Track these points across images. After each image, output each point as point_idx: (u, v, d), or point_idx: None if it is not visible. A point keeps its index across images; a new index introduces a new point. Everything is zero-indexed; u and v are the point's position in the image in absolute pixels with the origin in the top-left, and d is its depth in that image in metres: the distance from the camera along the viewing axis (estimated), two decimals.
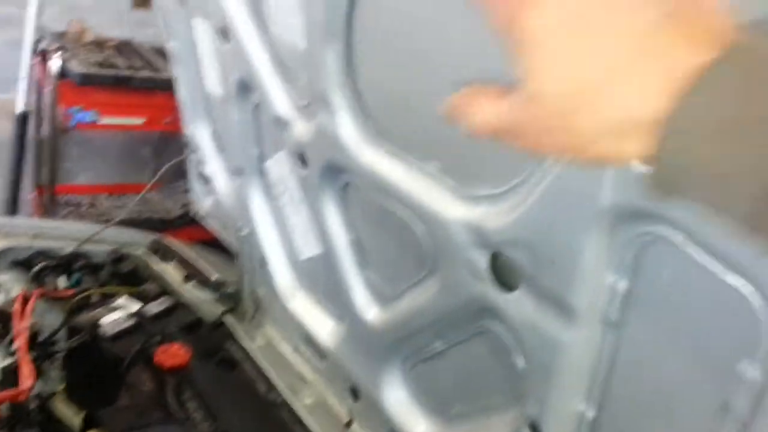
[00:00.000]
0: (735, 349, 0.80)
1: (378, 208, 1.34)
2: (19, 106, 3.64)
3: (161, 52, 3.88)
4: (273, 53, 1.56)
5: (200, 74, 2.01)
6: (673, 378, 0.91)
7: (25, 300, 1.78)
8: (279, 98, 1.57)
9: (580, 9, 0.52)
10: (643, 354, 0.95)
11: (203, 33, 1.87)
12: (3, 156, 3.71)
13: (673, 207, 0.79)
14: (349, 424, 1.67)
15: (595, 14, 0.51)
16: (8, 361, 1.58)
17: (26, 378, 1.51)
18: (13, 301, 1.78)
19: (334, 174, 1.45)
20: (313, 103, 1.41)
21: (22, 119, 3.65)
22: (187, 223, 3.46)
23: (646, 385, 0.97)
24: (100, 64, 3.72)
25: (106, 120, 3.67)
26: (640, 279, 0.91)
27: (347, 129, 1.34)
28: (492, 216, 1.08)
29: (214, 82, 1.92)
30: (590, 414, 1.03)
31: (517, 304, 1.08)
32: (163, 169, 2.46)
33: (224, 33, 1.70)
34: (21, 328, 1.67)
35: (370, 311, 1.50)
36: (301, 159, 1.55)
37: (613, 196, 0.86)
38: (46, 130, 3.73)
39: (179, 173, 3.42)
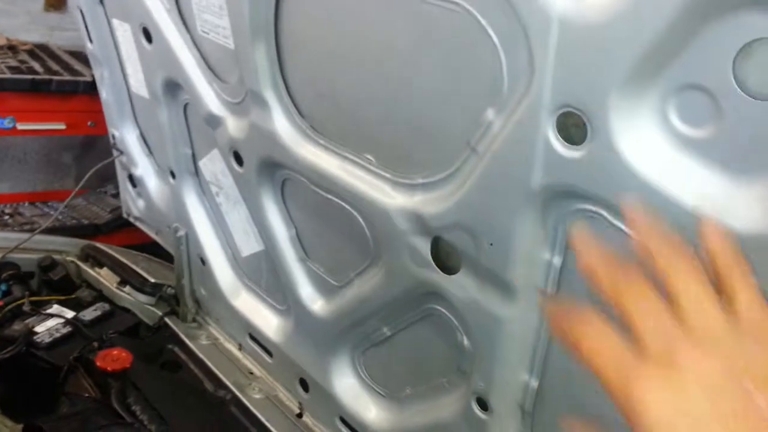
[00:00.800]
0: None
1: (318, 201, 1.36)
2: None
3: (79, 55, 3.77)
4: (200, 53, 1.55)
5: (124, 75, 1.98)
6: None
7: None
8: (209, 97, 1.56)
9: (707, 396, 0.49)
10: None
11: (124, 33, 1.84)
12: None
13: (597, 186, 0.85)
14: (300, 415, 1.69)
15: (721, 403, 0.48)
16: None
17: None
18: None
19: (271, 170, 1.46)
20: (246, 100, 1.42)
21: None
22: (118, 227, 3.39)
23: None
24: (14, 69, 3.60)
25: (24, 126, 3.55)
26: (572, 254, 0.95)
27: (282, 124, 1.35)
28: (430, 203, 1.12)
29: (139, 82, 1.90)
30: (534, 383, 1.09)
31: (460, 286, 1.13)
32: (88, 174, 2.40)
33: (147, 34, 1.68)
34: None
35: (315, 303, 1.52)
36: (236, 156, 1.55)
37: (542, 178, 0.91)
38: None
39: (104, 177, 3.35)
